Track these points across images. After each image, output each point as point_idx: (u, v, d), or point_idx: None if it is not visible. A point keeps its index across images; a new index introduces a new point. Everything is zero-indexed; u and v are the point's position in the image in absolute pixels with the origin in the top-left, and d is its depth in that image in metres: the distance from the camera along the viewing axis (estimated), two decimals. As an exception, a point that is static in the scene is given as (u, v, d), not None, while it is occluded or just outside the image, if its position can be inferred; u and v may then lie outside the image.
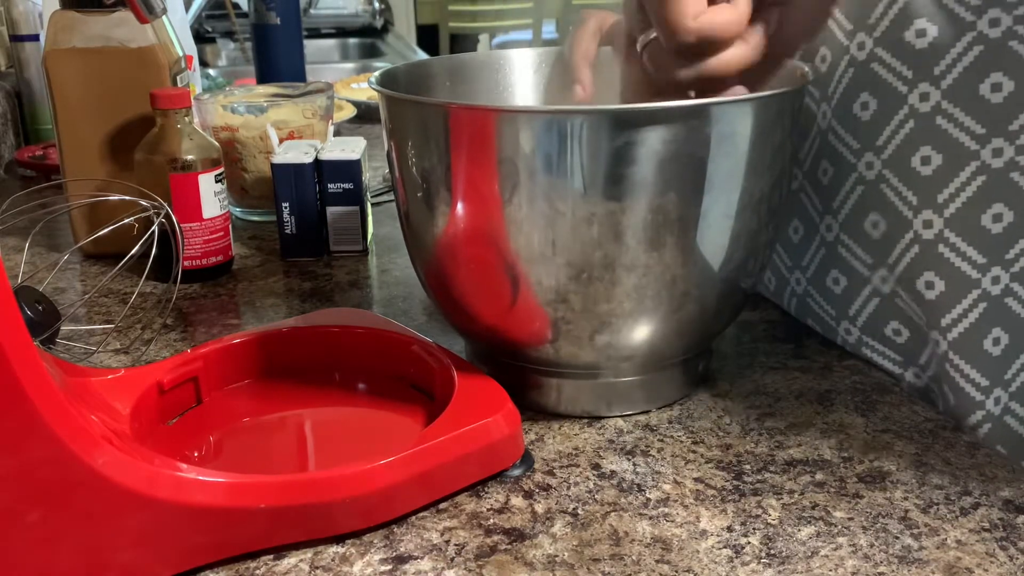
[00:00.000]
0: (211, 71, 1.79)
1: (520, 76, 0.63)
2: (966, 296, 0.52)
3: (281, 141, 0.87)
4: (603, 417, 0.53)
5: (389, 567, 0.42)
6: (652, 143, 0.44)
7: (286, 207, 0.79)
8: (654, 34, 0.46)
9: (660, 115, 0.44)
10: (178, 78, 0.80)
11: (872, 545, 0.42)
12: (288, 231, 0.80)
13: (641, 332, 0.50)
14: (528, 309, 0.49)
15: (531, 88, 0.63)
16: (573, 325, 0.49)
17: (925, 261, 0.53)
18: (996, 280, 0.51)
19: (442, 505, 0.46)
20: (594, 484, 0.47)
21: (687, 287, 0.49)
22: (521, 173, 0.45)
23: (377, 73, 0.53)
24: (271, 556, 0.43)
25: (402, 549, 0.43)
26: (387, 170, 1.02)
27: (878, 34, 0.52)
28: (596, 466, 0.49)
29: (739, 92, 0.46)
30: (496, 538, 0.44)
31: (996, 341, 0.52)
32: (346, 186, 0.79)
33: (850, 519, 0.44)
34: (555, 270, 0.47)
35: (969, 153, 0.50)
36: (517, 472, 0.48)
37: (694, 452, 0.50)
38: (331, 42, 2.34)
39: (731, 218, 0.48)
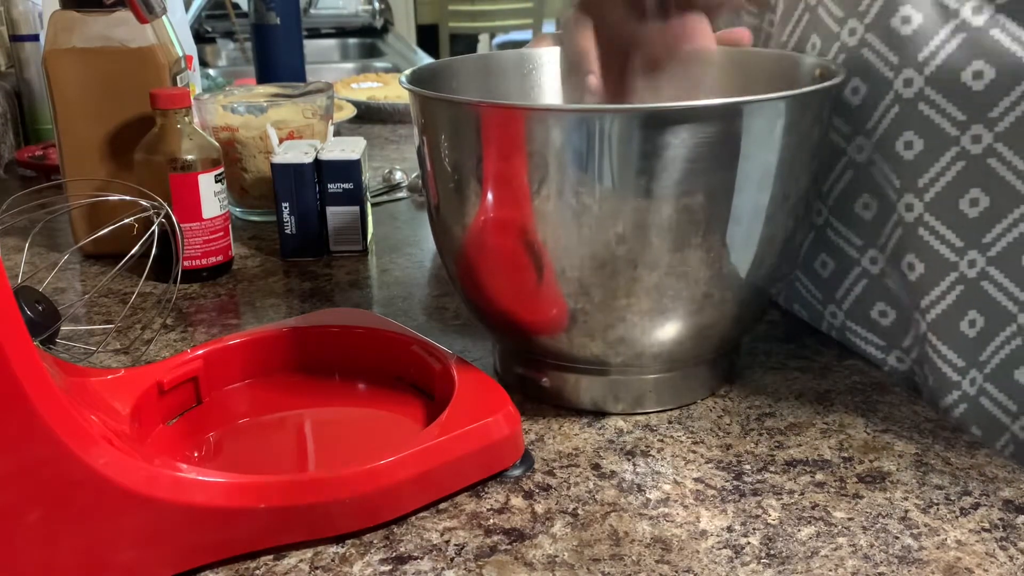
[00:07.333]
0: (211, 71, 1.79)
1: (549, 75, 0.63)
2: (944, 278, 0.53)
3: (281, 141, 0.87)
4: (608, 414, 0.53)
5: (389, 567, 0.42)
6: (682, 142, 0.44)
7: (286, 207, 0.79)
8: None
9: (691, 113, 0.44)
10: (178, 78, 0.80)
11: (872, 545, 0.42)
12: (288, 231, 0.80)
13: (656, 332, 0.50)
14: (548, 300, 0.49)
15: (560, 88, 0.63)
16: (589, 317, 0.49)
17: (907, 243, 0.54)
18: (972, 263, 0.52)
19: (442, 505, 0.46)
20: (594, 484, 0.47)
21: (709, 289, 0.49)
22: (551, 170, 0.46)
23: (408, 71, 0.54)
24: (271, 556, 0.43)
25: (402, 549, 0.43)
26: (386, 170, 1.03)
27: (868, 20, 0.53)
28: (596, 466, 0.49)
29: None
30: (496, 538, 0.44)
31: (972, 323, 0.53)
32: (346, 186, 0.79)
33: (850, 519, 0.44)
34: (578, 262, 0.48)
35: (950, 139, 0.51)
36: (517, 472, 0.48)
37: (694, 452, 0.50)
38: (331, 42, 2.34)
39: (761, 221, 0.48)
